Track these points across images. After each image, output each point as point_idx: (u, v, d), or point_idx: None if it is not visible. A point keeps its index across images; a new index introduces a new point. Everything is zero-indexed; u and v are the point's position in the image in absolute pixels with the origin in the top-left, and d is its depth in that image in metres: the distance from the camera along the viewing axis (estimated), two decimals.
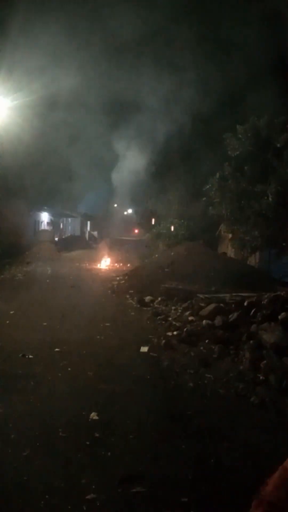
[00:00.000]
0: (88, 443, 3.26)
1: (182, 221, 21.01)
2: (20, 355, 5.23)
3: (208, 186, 13.78)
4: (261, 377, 4.61)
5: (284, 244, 12.55)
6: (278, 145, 11.92)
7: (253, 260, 15.45)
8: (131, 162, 20.96)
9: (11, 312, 7.67)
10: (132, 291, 10.45)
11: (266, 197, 11.74)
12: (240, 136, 12.72)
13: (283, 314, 5.49)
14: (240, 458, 3.17)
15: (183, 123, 18.20)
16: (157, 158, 21.41)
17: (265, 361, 4.80)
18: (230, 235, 14.89)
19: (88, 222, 40.50)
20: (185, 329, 6.42)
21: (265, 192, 11.82)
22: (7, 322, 7.03)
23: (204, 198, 14.30)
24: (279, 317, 5.48)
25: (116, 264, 18.77)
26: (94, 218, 40.13)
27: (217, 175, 13.45)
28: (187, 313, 7.55)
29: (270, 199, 11.59)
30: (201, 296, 8.04)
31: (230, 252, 16.66)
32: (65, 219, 35.82)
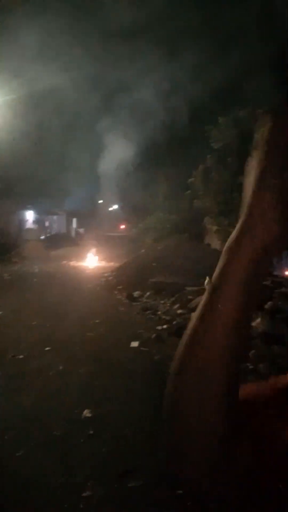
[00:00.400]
0: (82, 440, 3.27)
1: (168, 215, 21.04)
2: (11, 355, 5.19)
3: (192, 179, 13.83)
4: (250, 366, 4.69)
5: None
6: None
7: None
8: (116, 157, 20.86)
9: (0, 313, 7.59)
10: (120, 287, 10.46)
11: None
12: (222, 127, 12.78)
13: (269, 303, 5.58)
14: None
15: (168, 116, 18.20)
16: (142, 152, 21.38)
17: (253, 350, 4.88)
18: (215, 228, 14.99)
19: (74, 219, 40.16)
20: (174, 322, 6.47)
21: None
22: None
23: (189, 191, 14.35)
24: (266, 306, 5.58)
25: (103, 261, 18.71)
26: (80, 215, 39.81)
27: (200, 167, 13.50)
28: (176, 306, 7.61)
29: None
30: (189, 289, 8.11)
31: (216, 244, 16.79)
32: (50, 216, 35.44)
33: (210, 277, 0.62)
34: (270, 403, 0.53)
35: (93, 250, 19.98)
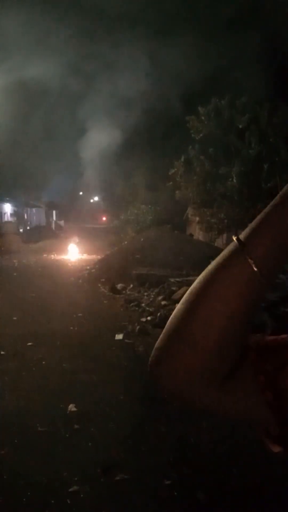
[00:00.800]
0: (67, 435, 3.23)
1: (150, 206, 21.01)
2: None
3: (173, 170, 13.78)
4: None
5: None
6: (240, 126, 12.05)
7: (221, 241, 15.77)
8: (97, 148, 20.57)
9: None
10: (103, 280, 10.38)
11: (230, 179, 11.90)
12: (202, 118, 12.73)
13: None
14: (218, 436, 3.26)
15: (149, 107, 18.04)
16: (123, 143, 21.16)
17: None
18: (197, 218, 15.06)
19: (54, 212, 39.56)
20: (158, 314, 6.46)
21: (229, 174, 11.97)
22: None
23: (170, 183, 14.31)
24: None
25: (85, 253, 18.53)
26: (60, 207, 39.23)
27: (182, 158, 13.47)
28: (160, 297, 7.60)
29: (235, 180, 11.77)
30: (172, 280, 8.12)
31: (198, 235, 16.90)
32: (29, 209, 34.76)
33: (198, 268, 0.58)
34: (277, 352, 0.52)
35: (74, 242, 19.75)
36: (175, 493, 2.58)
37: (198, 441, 3.16)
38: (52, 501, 2.51)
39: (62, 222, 38.02)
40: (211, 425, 3.39)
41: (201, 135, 12.86)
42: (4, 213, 27.76)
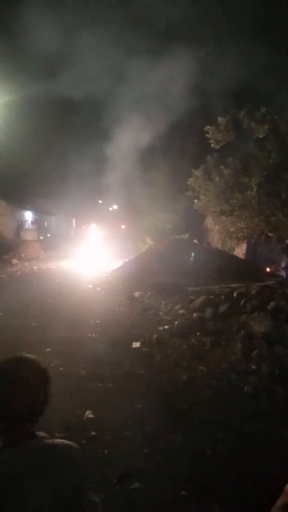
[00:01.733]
0: (84, 442, 3.24)
1: (168, 215, 21.06)
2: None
3: (192, 179, 13.78)
4: (253, 367, 4.66)
5: (269, 234, 12.69)
6: (260, 136, 11.98)
7: (240, 251, 15.61)
8: (117, 157, 20.85)
9: None
10: (121, 287, 10.43)
11: (250, 190, 11.81)
12: (222, 128, 12.73)
13: (272, 303, 5.55)
14: (235, 447, 3.21)
15: (169, 116, 18.18)
16: (143, 152, 21.36)
17: (256, 351, 4.85)
18: (216, 227, 14.97)
19: (73, 219, 40.19)
20: (176, 323, 6.43)
21: (248, 184, 11.89)
22: None
23: (189, 191, 14.32)
24: (268, 306, 5.54)
25: (103, 261, 18.67)
26: (79, 215, 39.83)
27: (201, 168, 13.47)
28: (177, 306, 7.57)
29: (254, 190, 11.66)
30: (190, 289, 8.08)
31: (217, 243, 16.79)
32: (49, 217, 35.42)
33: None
34: None
35: (93, 250, 19.96)
36: (191, 505, 2.54)
37: (214, 453, 3.11)
38: None
39: (81, 230, 38.51)
40: (227, 437, 3.34)
41: (221, 144, 12.85)
42: (25, 221, 28.37)
